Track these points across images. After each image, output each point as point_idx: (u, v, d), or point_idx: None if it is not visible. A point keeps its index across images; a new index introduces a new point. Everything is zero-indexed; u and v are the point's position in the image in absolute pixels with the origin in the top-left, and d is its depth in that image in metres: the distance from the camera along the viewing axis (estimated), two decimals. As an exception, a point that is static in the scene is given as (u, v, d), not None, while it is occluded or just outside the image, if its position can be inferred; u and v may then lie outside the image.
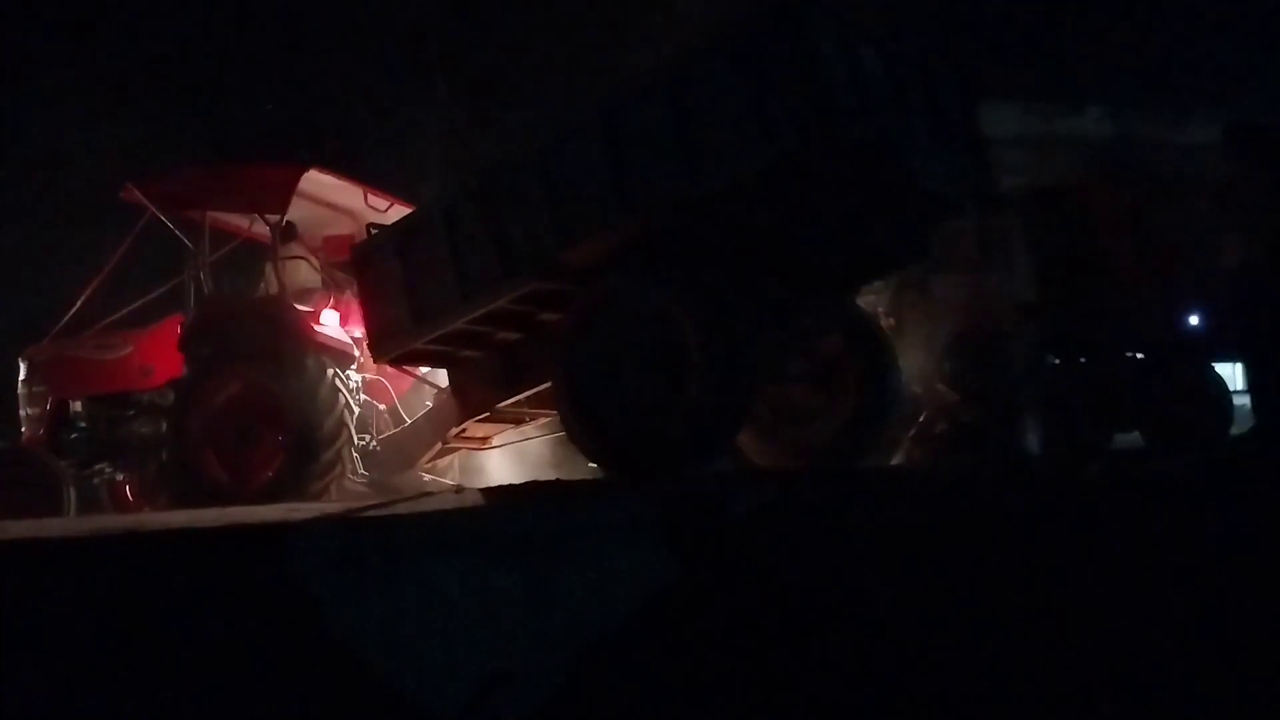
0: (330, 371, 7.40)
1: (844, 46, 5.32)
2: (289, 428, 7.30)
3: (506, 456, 8.15)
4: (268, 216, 7.84)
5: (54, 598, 3.80)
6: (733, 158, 5.33)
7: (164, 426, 7.88)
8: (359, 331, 7.44)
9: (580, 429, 5.96)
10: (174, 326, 8.09)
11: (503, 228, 6.10)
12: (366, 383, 7.90)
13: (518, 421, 7.28)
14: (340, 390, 7.43)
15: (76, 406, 8.45)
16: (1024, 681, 4.22)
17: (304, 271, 8.25)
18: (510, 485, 6.82)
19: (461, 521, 4.62)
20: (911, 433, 9.05)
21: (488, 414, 6.97)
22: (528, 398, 6.77)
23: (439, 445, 7.42)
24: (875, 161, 5.39)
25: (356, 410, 7.61)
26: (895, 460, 8.64)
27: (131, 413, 8.28)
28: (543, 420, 7.23)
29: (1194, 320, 8.89)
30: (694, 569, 4.16)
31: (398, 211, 7.97)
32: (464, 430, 7.18)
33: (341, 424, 7.36)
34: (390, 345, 6.70)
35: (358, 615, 3.82)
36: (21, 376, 8.56)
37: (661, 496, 4.69)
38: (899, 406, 7.00)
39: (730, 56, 5.38)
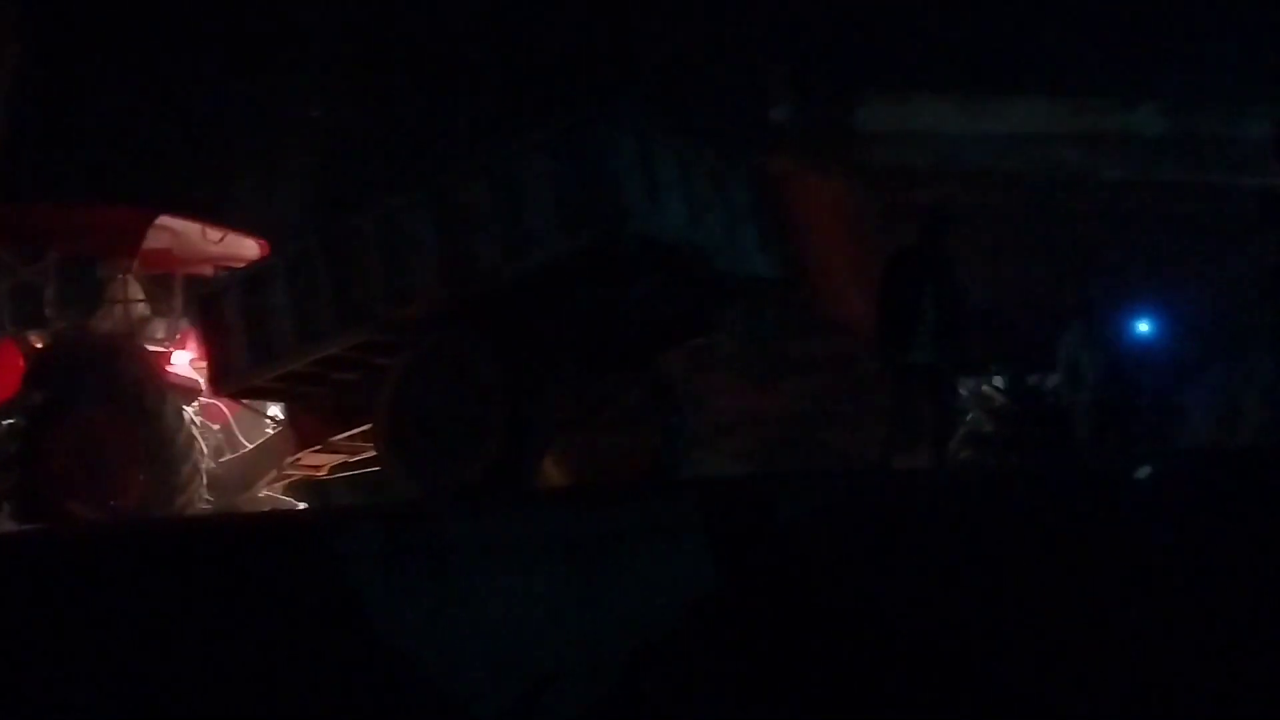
0: (183, 408, 7.71)
1: (642, 153, 6.23)
2: (148, 461, 7.49)
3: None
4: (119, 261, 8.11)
5: (90, 593, 3.85)
6: (541, 244, 6.18)
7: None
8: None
9: (394, 468, 6.71)
10: (5, 351, 8.07)
11: (342, 283, 6.81)
12: (201, 406, 8.15)
13: (351, 453, 7.97)
14: (194, 425, 7.74)
15: None
16: (1074, 684, 4.11)
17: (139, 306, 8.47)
18: (558, 486, 7.04)
19: (509, 522, 4.61)
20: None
21: (321, 446, 7.67)
22: (359, 432, 7.48)
23: (275, 472, 8.05)
24: (665, 254, 6.30)
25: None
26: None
27: None
28: (373, 453, 7.94)
29: None
30: (742, 572, 4.16)
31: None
32: (300, 459, 7.87)
33: (198, 457, 7.66)
34: (232, 381, 7.33)
35: (403, 613, 3.84)
36: None
37: (710, 499, 4.68)
38: (684, 452, 7.91)
39: (544, 155, 6.24)
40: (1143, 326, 9.99)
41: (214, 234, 8.53)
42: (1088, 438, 9.29)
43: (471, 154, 6.95)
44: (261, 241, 8.72)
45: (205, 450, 7.78)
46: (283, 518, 5.31)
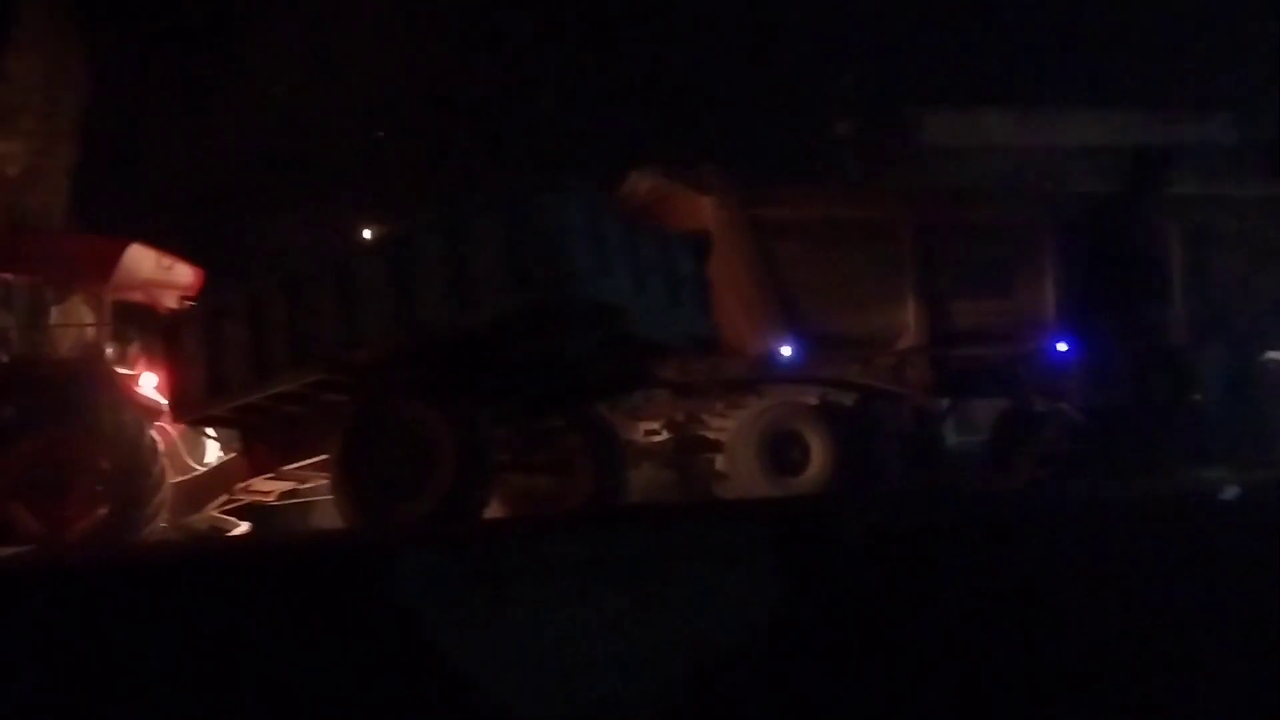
0: (148, 427, 8.01)
1: (592, 222, 6.70)
2: (114, 479, 7.76)
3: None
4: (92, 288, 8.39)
5: (145, 617, 3.85)
6: (490, 300, 6.62)
7: None
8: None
9: (346, 499, 7.09)
10: None
11: (298, 323, 7.20)
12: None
13: (300, 481, 8.35)
14: (158, 443, 8.02)
15: None
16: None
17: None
18: (618, 506, 7.16)
19: (569, 543, 4.59)
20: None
21: (273, 474, 8.04)
22: (308, 462, 7.87)
23: (225, 495, 8.40)
24: (604, 315, 6.77)
25: None
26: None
27: None
28: (322, 481, 8.32)
29: None
30: (804, 592, 4.12)
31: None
32: (250, 485, 8.24)
33: (163, 474, 7.96)
34: (190, 409, 7.69)
35: (463, 634, 3.77)
36: None
37: (777, 519, 4.74)
38: (624, 490, 8.39)
39: (498, 216, 6.69)
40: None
41: (166, 262, 8.87)
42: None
43: (427, 208, 7.33)
44: (200, 272, 9.09)
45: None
46: (340, 538, 5.38)
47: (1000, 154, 12.50)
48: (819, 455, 10.35)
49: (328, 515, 8.65)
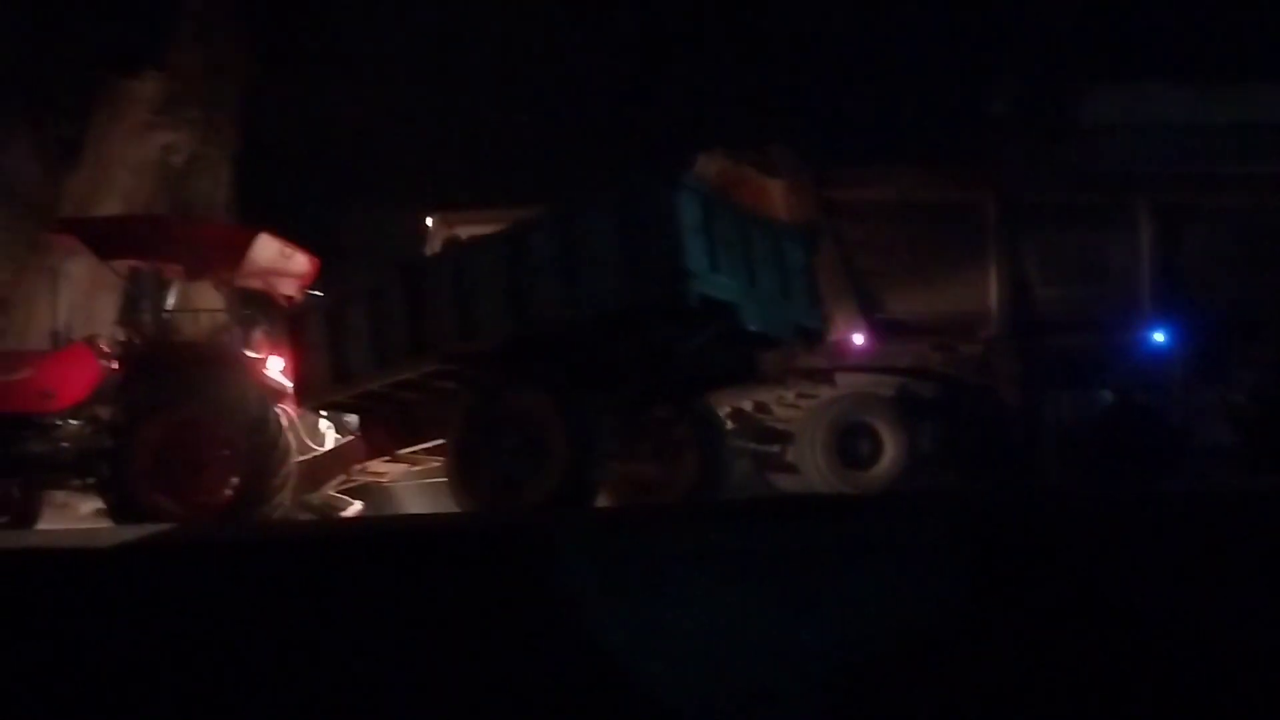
0: (275, 408, 8.28)
1: (705, 217, 6.77)
2: (244, 458, 8.01)
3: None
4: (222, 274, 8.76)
5: (310, 591, 3.96)
6: (604, 296, 6.75)
7: (68, 448, 8.30)
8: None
9: (461, 486, 7.33)
10: (79, 354, 8.50)
11: (416, 315, 7.44)
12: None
13: (413, 464, 8.65)
14: (284, 424, 8.30)
15: None
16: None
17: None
18: (780, 496, 7.35)
19: (729, 533, 4.51)
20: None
21: (389, 457, 8.35)
22: (423, 447, 8.15)
23: (344, 475, 8.75)
24: (716, 311, 6.85)
25: None
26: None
27: (26, 433, 8.38)
28: (434, 465, 8.62)
29: None
30: (986, 589, 3.98)
31: None
32: (367, 466, 8.58)
33: (288, 453, 8.23)
34: (315, 395, 8.03)
35: (618, 619, 3.75)
36: None
37: (957, 513, 4.61)
38: (728, 481, 8.51)
39: (613, 212, 6.80)
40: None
41: (287, 251, 9.17)
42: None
43: (547, 204, 7.46)
44: (316, 261, 9.36)
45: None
46: (495, 520, 5.39)
47: (1178, 131, 11.65)
48: (891, 449, 10.22)
49: (440, 498, 8.97)
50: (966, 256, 10.30)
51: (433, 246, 11.02)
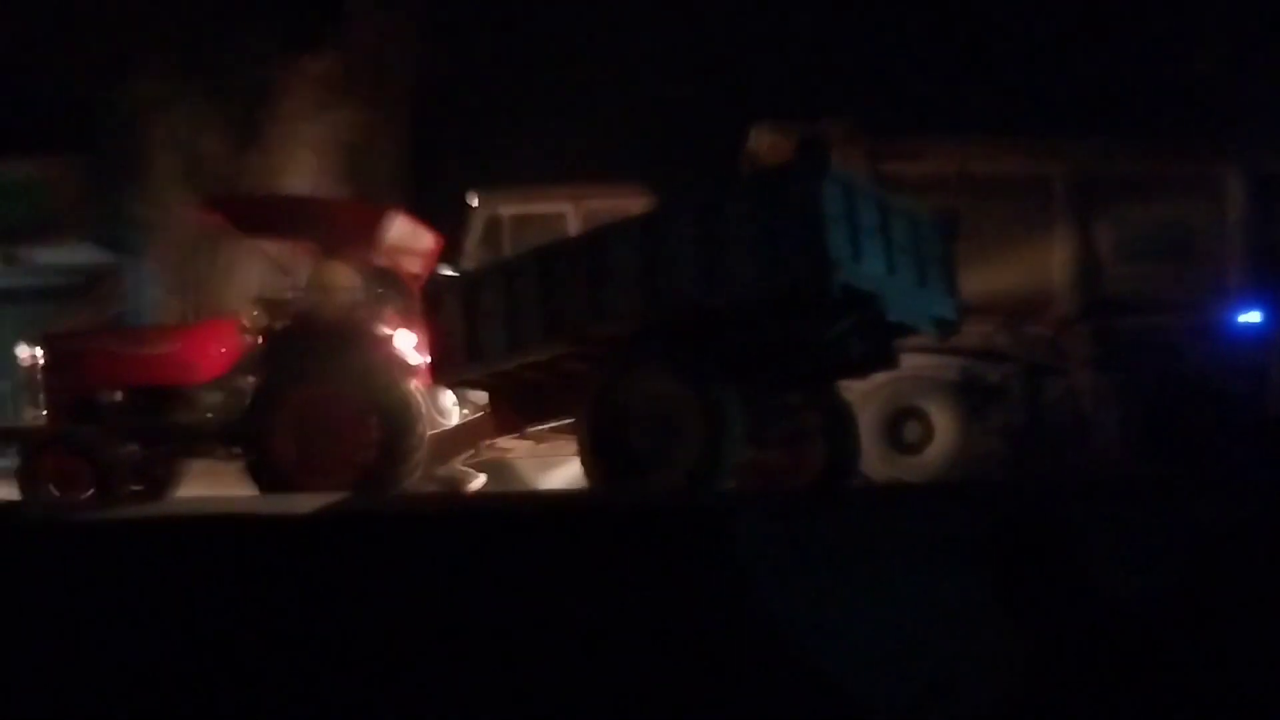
0: (411, 382, 8.50)
1: (847, 205, 6.66)
2: (380, 430, 8.21)
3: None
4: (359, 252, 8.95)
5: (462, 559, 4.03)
6: (743, 284, 6.70)
7: (212, 418, 8.65)
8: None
9: (594, 465, 7.40)
10: (221, 328, 8.88)
11: (549, 297, 7.49)
12: None
13: (539, 441, 8.76)
14: (420, 398, 8.50)
15: (107, 396, 8.77)
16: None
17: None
18: (972, 480, 7.09)
19: (914, 517, 4.48)
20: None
21: (517, 434, 8.48)
22: (550, 426, 8.25)
23: (472, 450, 8.92)
24: (856, 301, 6.75)
25: None
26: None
27: (172, 404, 8.72)
28: (559, 442, 8.72)
29: None
30: (1161, 578, 3.87)
31: None
32: (494, 442, 8.72)
33: (425, 426, 8.45)
34: (449, 373, 8.16)
35: (798, 604, 3.68)
36: (43, 363, 8.83)
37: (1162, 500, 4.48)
38: (856, 472, 8.42)
39: (753, 199, 6.73)
40: None
41: (416, 229, 9.35)
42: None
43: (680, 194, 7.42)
44: (441, 239, 9.54)
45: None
46: (673, 499, 5.31)
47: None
48: (943, 434, 9.91)
49: (563, 475, 9.07)
50: (1034, 232, 9.89)
51: (475, 225, 10.78)
